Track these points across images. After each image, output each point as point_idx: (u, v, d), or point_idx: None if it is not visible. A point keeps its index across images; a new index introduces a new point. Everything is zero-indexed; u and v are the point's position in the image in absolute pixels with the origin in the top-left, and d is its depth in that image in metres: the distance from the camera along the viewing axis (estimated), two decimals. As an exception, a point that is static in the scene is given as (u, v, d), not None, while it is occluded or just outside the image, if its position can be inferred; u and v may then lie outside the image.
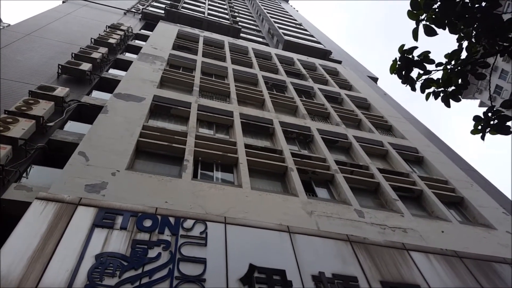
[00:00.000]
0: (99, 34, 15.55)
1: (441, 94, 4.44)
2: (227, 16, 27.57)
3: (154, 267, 5.17)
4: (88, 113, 9.96)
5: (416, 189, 9.98)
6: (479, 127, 4.19)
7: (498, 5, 3.65)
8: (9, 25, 14.89)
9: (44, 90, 9.65)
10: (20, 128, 7.73)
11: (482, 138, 4.18)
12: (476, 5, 3.72)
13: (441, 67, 4.37)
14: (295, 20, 34.90)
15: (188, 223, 6.09)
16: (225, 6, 31.76)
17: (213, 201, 7.02)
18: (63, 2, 20.69)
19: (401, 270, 6.56)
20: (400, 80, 4.41)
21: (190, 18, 22.97)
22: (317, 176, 9.46)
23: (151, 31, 18.68)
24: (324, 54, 24.84)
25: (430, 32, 3.98)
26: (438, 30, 3.96)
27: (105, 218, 5.72)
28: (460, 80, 4.32)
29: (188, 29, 19.44)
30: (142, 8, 23.10)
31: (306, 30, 31.27)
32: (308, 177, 9.36)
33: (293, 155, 9.78)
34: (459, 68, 4.27)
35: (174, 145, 8.62)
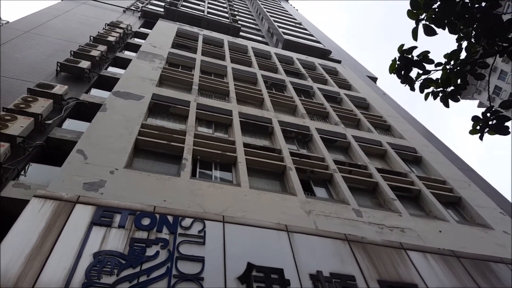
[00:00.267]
0: (98, 32, 15.52)
1: (440, 94, 4.45)
2: (226, 15, 27.54)
3: (152, 266, 5.17)
4: (87, 111, 9.94)
5: (414, 189, 10.00)
6: (478, 127, 4.20)
7: (498, 6, 3.65)
8: (7, 22, 14.84)
9: (43, 88, 9.62)
10: (19, 126, 7.72)
11: (481, 138, 4.18)
12: (476, 5, 3.73)
13: (440, 67, 4.37)
14: (295, 19, 34.87)
15: (187, 222, 6.09)
16: (224, 5, 31.72)
17: (211, 200, 7.02)
18: (62, -1, 20.62)
19: (399, 270, 6.57)
20: (399, 80, 4.41)
21: (190, 17, 22.93)
22: (315, 175, 9.47)
23: (151, 29, 18.64)
24: (324, 54, 24.84)
25: (429, 32, 3.99)
26: (438, 30, 3.97)
27: (103, 216, 5.72)
28: (459, 80, 4.32)
29: (187, 27, 19.40)
30: (142, 6, 23.05)
31: (305, 29, 31.25)
32: (307, 176, 9.37)
33: (292, 154, 9.78)
34: (458, 68, 4.27)
35: (172, 143, 8.61)
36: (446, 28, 3.94)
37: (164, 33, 17.09)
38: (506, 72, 39.92)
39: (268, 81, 15.35)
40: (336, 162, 10.15)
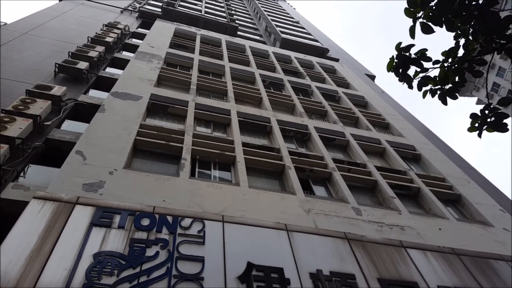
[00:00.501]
0: (96, 33, 15.50)
1: (438, 92, 4.45)
2: (224, 14, 27.51)
3: (152, 266, 5.17)
4: (85, 112, 9.94)
5: (414, 187, 10.01)
6: (476, 125, 4.20)
7: (495, 3, 3.65)
8: (5, 23, 14.80)
9: (41, 89, 9.61)
10: (17, 127, 7.71)
11: (479, 135, 4.19)
12: (473, 3, 3.73)
13: (438, 65, 4.37)
14: (293, 18, 34.85)
15: (186, 222, 6.09)
16: (222, 4, 31.69)
17: (210, 199, 7.02)
18: (60, 0, 20.59)
19: (399, 268, 6.58)
20: (397, 78, 4.41)
21: (187, 16, 22.91)
22: (314, 174, 9.47)
23: (148, 29, 18.62)
24: (322, 52, 24.84)
25: (427, 30, 3.99)
26: (435, 28, 3.97)
27: (103, 217, 5.71)
28: (457, 78, 4.32)
29: (185, 27, 19.38)
30: (139, 7, 23.03)
31: (303, 28, 31.24)
32: (306, 175, 9.37)
33: (291, 153, 9.78)
34: (456, 65, 4.27)
35: (171, 143, 8.60)
36: (444, 26, 3.95)
37: (161, 33, 17.07)
38: (505, 69, 39.96)
39: (266, 80, 15.34)
40: (335, 160, 10.16)
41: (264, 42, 25.72)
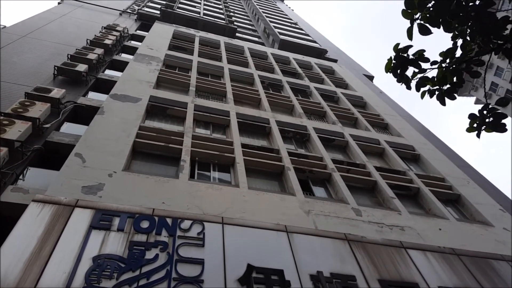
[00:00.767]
0: (95, 35, 15.51)
1: (437, 93, 4.45)
2: (222, 16, 27.54)
3: (152, 269, 5.16)
4: (85, 115, 9.93)
5: (413, 187, 10.01)
6: (475, 125, 4.20)
7: (491, 4, 3.66)
8: (4, 27, 14.80)
9: (40, 92, 9.61)
10: (17, 130, 7.70)
11: (478, 136, 4.19)
12: (470, 4, 3.73)
13: (436, 66, 4.38)
14: (291, 19, 34.91)
15: (186, 224, 6.08)
16: (220, 6, 31.72)
17: (210, 201, 7.02)
18: (59, 3, 20.60)
19: (399, 268, 6.58)
20: (396, 79, 4.42)
21: (186, 18, 22.93)
22: (314, 175, 9.47)
23: (147, 31, 18.63)
24: (320, 53, 24.88)
25: (424, 31, 3.99)
26: (433, 29, 3.98)
27: (102, 219, 5.70)
28: (455, 78, 4.33)
29: (183, 29, 19.40)
30: (138, 9, 23.05)
31: (301, 29, 31.29)
32: (305, 176, 9.37)
33: (290, 154, 9.78)
34: (454, 66, 4.28)
35: (170, 145, 8.60)
36: (441, 27, 3.95)
37: (160, 35, 17.08)
38: (503, 68, 39.99)
39: (265, 81, 15.35)
40: (335, 161, 10.16)
41: (262, 44, 25.74)
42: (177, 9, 24.08)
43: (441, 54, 4.38)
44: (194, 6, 27.59)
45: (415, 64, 4.29)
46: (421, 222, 8.38)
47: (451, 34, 4.16)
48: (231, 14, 30.60)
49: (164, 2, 25.48)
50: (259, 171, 9.06)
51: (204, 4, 29.82)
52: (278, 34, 25.53)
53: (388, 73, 4.39)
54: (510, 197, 11.95)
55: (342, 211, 7.91)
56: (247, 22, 32.16)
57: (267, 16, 31.59)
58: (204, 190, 7.30)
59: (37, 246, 4.98)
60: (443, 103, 4.42)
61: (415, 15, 3.98)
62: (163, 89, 11.71)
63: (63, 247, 5.09)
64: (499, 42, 3.96)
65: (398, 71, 4.36)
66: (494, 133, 4.12)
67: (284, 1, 51.38)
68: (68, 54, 12.66)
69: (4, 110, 8.52)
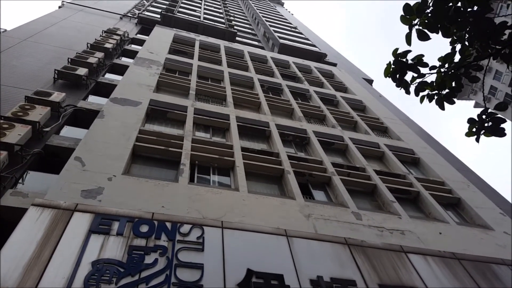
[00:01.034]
0: (95, 39, 15.55)
1: (435, 97, 4.47)
2: (222, 20, 27.64)
3: (151, 274, 5.14)
4: (85, 118, 9.94)
5: (413, 191, 10.00)
6: (474, 130, 4.21)
7: (489, 9, 3.68)
8: (5, 30, 14.85)
9: (40, 96, 9.62)
10: (16, 134, 7.70)
11: (477, 140, 4.19)
12: (468, 10, 3.75)
13: (435, 70, 4.39)
14: (290, 23, 35.03)
15: (185, 228, 6.07)
16: (220, 10, 31.85)
17: (210, 205, 7.01)
18: (59, 7, 20.68)
19: (400, 273, 6.55)
20: (395, 84, 4.43)
21: (186, 22, 23.00)
22: (314, 178, 9.46)
23: (147, 35, 18.69)
24: (319, 57, 24.94)
25: (423, 37, 4.01)
26: (431, 34, 3.99)
27: (102, 224, 5.69)
28: (454, 83, 4.34)
29: (184, 33, 19.46)
30: (138, 13, 23.13)
31: (301, 33, 31.39)
32: (305, 179, 9.36)
33: (290, 157, 9.78)
34: (452, 71, 4.30)
35: (170, 149, 8.60)
36: (440, 32, 3.97)
37: (161, 39, 17.14)
38: (501, 72, 40.06)
39: (264, 85, 15.38)
40: (334, 164, 10.16)
41: (262, 48, 25.80)
42: (178, 13, 24.18)
43: (439, 59, 4.40)
44: (195, 10, 27.70)
45: (414, 69, 4.30)
46: (421, 226, 8.36)
47: (449, 39, 4.18)
48: (231, 18, 30.72)
49: (165, 6, 25.58)
50: (259, 175, 9.05)
51: (204, 8, 29.94)
52: (277, 38, 25.61)
53: (388, 77, 4.41)
54: (510, 201, 11.94)
55: (342, 215, 7.90)
56: (247, 26, 32.26)
57: (267, 20, 31.70)
58: (203, 194, 7.30)
59: (36, 251, 4.96)
60: (442, 107, 4.43)
61: (414, 21, 4.00)
62: (163, 93, 11.72)
63: (62, 251, 5.08)
64: (497, 47, 3.98)
65: (397, 75, 4.38)
66: (493, 137, 4.13)
67: (284, 5, 51.58)
68: (68, 58, 12.70)
69: (4, 113, 8.53)
